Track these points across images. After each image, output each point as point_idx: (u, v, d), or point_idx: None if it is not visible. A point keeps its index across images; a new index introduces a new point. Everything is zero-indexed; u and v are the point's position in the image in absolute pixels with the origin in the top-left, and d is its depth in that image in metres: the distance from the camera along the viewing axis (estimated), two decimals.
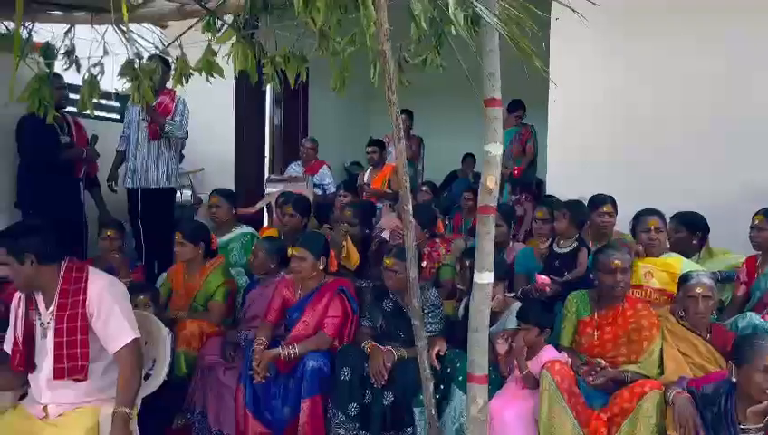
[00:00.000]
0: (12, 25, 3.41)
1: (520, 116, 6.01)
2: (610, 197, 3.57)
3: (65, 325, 2.48)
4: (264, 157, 6.66)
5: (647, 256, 3.23)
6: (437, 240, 3.96)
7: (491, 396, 2.59)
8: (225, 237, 4.17)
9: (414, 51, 2.72)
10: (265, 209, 5.89)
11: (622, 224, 3.60)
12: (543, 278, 3.21)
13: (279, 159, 6.87)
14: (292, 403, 3.04)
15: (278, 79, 2.97)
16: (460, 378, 2.84)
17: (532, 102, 5.78)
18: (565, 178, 4.28)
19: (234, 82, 5.43)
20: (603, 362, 2.82)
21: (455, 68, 2.60)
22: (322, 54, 2.68)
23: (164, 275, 3.88)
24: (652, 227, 3.25)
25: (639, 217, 3.33)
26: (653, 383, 2.59)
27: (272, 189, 5.55)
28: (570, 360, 2.83)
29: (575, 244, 3.45)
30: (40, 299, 2.56)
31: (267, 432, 3.09)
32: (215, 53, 2.78)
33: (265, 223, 5.80)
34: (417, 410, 2.89)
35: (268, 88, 6.44)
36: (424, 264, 3.54)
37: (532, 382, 2.75)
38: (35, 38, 3.42)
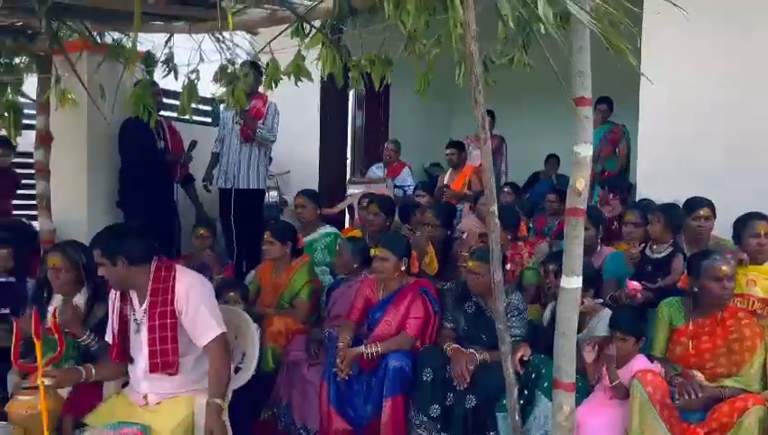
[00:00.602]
0: (117, 36, 3.66)
1: (604, 111, 5.79)
2: (707, 200, 3.38)
3: (157, 322, 2.61)
4: (345, 159, 6.78)
5: (751, 262, 3.04)
6: (521, 243, 3.89)
7: (577, 404, 2.51)
8: (310, 237, 4.28)
9: (500, 50, 2.69)
10: (346, 211, 6.01)
11: (718, 229, 3.41)
12: (635, 284, 3.08)
13: (360, 161, 6.97)
14: (375, 402, 3.07)
15: (363, 82, 3.03)
16: (545, 384, 2.77)
17: (620, 101, 5.58)
18: (657, 181, 4.09)
19: (318, 86, 5.59)
20: (699, 373, 2.68)
21: (538, 67, 2.56)
22: (409, 56, 2.71)
23: (252, 272, 4.02)
24: (762, 232, 3.05)
25: (746, 222, 3.13)
26: (756, 398, 2.44)
27: (353, 191, 5.65)
28: (663, 370, 2.70)
29: (670, 249, 3.29)
30: (134, 297, 2.72)
31: (349, 429, 3.14)
32: (303, 58, 2.87)
33: (347, 224, 5.91)
34: (500, 416, 2.85)
35: (350, 91, 6.57)
36: (508, 267, 3.48)
37: (622, 393, 2.65)
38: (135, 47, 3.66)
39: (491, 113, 6.44)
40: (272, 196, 5.36)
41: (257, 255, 4.29)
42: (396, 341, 3.13)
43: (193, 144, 4.74)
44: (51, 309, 2.94)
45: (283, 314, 3.57)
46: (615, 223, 4.33)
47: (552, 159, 7.26)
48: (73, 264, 2.95)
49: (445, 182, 5.76)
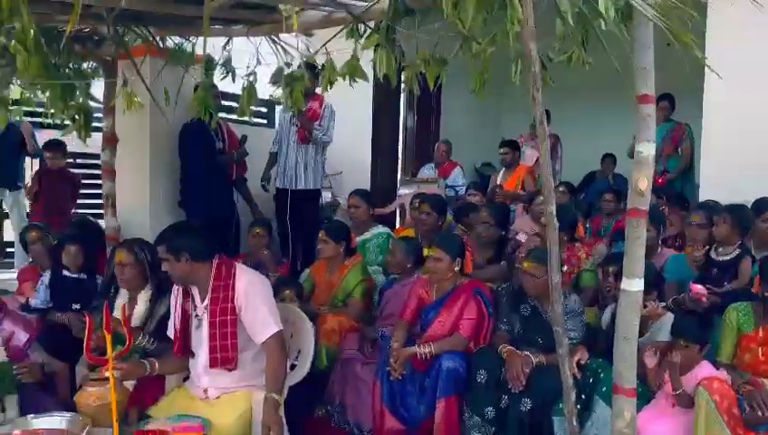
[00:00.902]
0: (177, 40, 3.77)
1: (666, 108, 5.59)
2: None
3: (217, 318, 2.68)
4: (397, 159, 6.79)
5: None
6: (577, 244, 3.81)
7: (637, 410, 2.44)
8: (363, 237, 4.30)
9: (558, 48, 2.65)
10: (397, 211, 6.02)
11: None
12: (699, 288, 2.97)
13: (411, 162, 6.97)
14: (428, 402, 3.06)
15: (418, 82, 3.03)
16: (604, 389, 2.71)
17: (681, 99, 5.39)
18: (722, 181, 3.93)
19: (371, 87, 5.62)
20: None
21: (595, 64, 2.50)
22: (463, 56, 2.70)
23: (307, 271, 4.08)
24: None
25: None
26: None
27: (405, 191, 5.66)
28: (729, 378, 2.59)
29: (737, 251, 3.16)
30: (195, 293, 2.80)
31: (402, 429, 3.14)
32: (359, 59, 2.89)
33: (397, 224, 5.92)
34: (556, 420, 2.80)
35: (402, 92, 6.58)
36: (564, 268, 3.41)
37: (686, 401, 2.55)
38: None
39: (546, 112, 6.32)
40: (324, 196, 5.42)
41: (311, 254, 4.35)
42: (449, 341, 3.12)
43: (244, 139, 4.83)
44: (119, 304, 3.06)
45: (337, 313, 3.61)
46: (678, 240, 4.11)
47: (609, 159, 7.07)
48: (138, 260, 3.06)
49: (497, 182, 5.70)
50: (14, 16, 1.79)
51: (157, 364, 2.75)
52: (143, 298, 3.08)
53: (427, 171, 6.01)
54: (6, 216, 5.83)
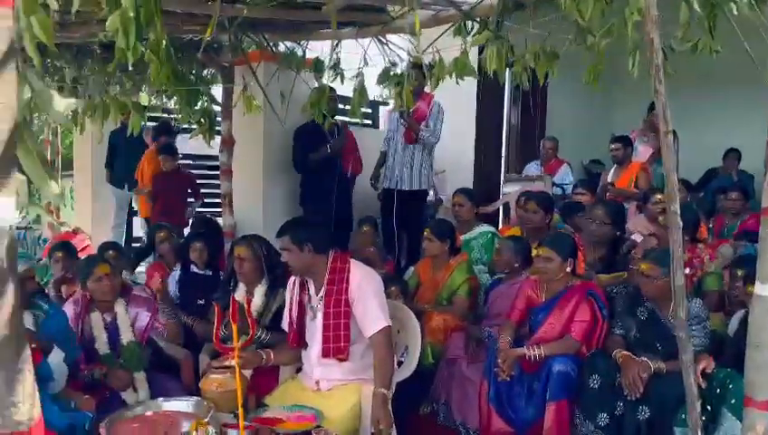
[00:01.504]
0: (289, 44, 3.93)
1: None
2: None
3: (331, 309, 2.77)
4: (501, 157, 6.68)
5: None
6: (700, 245, 3.57)
7: None
8: (467, 235, 4.27)
9: (681, 36, 2.50)
10: (501, 209, 5.93)
11: None
12: None
13: (515, 159, 6.83)
14: (537, 405, 2.99)
15: (528, 77, 2.97)
16: (733, 401, 2.52)
17: None
18: None
19: (475, 84, 5.58)
20: None
21: (721, 52, 2.34)
22: (576, 48, 2.62)
23: (411, 269, 4.11)
24: None
25: None
26: None
27: (509, 189, 5.56)
28: None
29: None
30: (311, 285, 2.91)
31: (510, 431, 3.08)
32: (468, 55, 2.88)
33: (500, 223, 5.82)
34: (678, 430, 2.63)
35: (506, 88, 6.47)
36: (686, 271, 3.21)
37: None
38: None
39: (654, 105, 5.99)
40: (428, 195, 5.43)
41: (416, 253, 4.38)
42: (560, 344, 3.02)
43: (339, 129, 4.88)
44: (238, 297, 3.24)
45: (442, 311, 3.61)
46: None
47: (733, 154, 6.57)
48: (255, 255, 3.22)
49: (608, 180, 5.45)
50: (149, 28, 1.93)
51: (272, 355, 2.88)
52: (260, 292, 3.24)
53: (533, 169, 5.86)
54: (135, 214, 6.33)
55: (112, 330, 3.09)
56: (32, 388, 0.89)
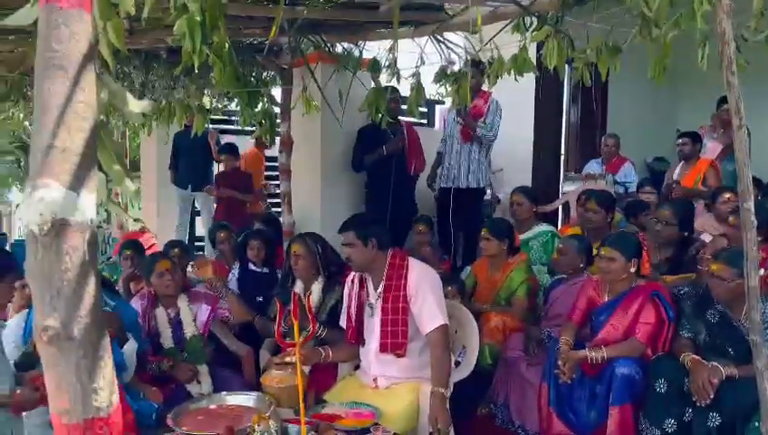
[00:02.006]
0: (346, 45, 3.96)
1: None
2: None
3: (389, 305, 2.79)
4: (560, 155, 6.54)
5: None
6: None
7: None
8: (526, 235, 4.20)
9: (754, 27, 2.39)
10: (560, 209, 5.80)
11: None
12: None
13: (575, 157, 6.67)
14: (599, 409, 2.91)
15: (589, 73, 2.91)
16: None
17: None
18: None
19: (533, 81, 5.48)
20: None
21: None
22: (641, 41, 2.53)
23: (468, 268, 4.07)
24: None
25: None
26: None
27: (569, 188, 5.43)
28: None
29: None
30: (370, 281, 2.92)
31: (571, 434, 3.02)
32: (526, 51, 2.83)
33: (559, 223, 5.70)
34: None
35: (565, 85, 6.33)
36: (761, 272, 3.05)
37: None
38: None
39: (724, 99, 5.72)
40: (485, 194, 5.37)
41: (473, 252, 4.34)
42: (624, 347, 2.93)
43: (398, 131, 4.88)
44: (303, 294, 3.30)
45: (500, 312, 3.56)
46: None
47: None
48: (311, 252, 3.28)
49: (674, 177, 5.25)
50: (213, 31, 1.98)
51: (331, 352, 2.92)
52: (316, 289, 3.28)
53: (594, 167, 5.70)
54: (198, 214, 6.53)
55: (176, 324, 3.22)
56: (111, 375, 0.94)
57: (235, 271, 4.14)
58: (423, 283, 2.76)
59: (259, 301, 3.83)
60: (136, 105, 1.04)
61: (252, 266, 4.08)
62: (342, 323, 3.04)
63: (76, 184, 0.87)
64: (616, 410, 2.83)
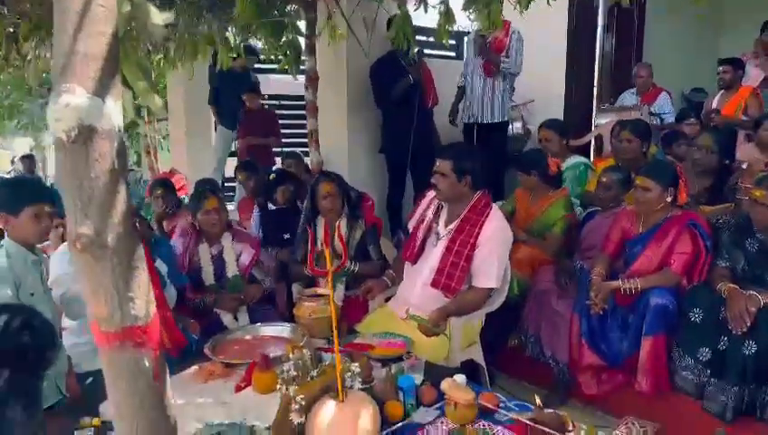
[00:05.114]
0: None
1: None
2: None
3: (456, 246, 2.77)
4: (593, 86, 6.32)
5: None
6: None
7: None
8: None
9: None
10: (592, 142, 5.64)
11: None
12: None
13: (609, 89, 6.44)
14: (632, 339, 2.89)
15: None
16: None
17: None
18: None
19: (566, 9, 5.25)
20: None
21: None
22: None
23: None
24: None
25: None
26: None
27: (603, 120, 5.26)
28: None
29: None
30: (444, 213, 2.89)
31: (602, 365, 3.02)
32: None
33: (591, 156, 5.55)
34: None
35: (600, 14, 6.06)
36: None
37: None
38: None
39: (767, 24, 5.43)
40: (516, 127, 5.25)
41: (499, 186, 4.27)
42: (658, 277, 2.88)
43: (419, 53, 4.73)
44: (319, 228, 3.31)
45: (532, 244, 3.50)
46: None
47: None
48: (341, 190, 3.30)
49: (713, 106, 5.05)
50: None
51: (395, 276, 3.04)
52: (342, 224, 3.29)
53: (628, 99, 5.50)
54: (234, 154, 6.52)
55: (218, 262, 3.24)
56: (147, 286, 0.95)
57: (256, 214, 4.17)
58: (495, 239, 2.73)
59: (285, 238, 3.87)
60: (159, 17, 1.01)
61: (271, 206, 4.09)
62: (410, 227, 3.04)
63: (100, 90, 0.86)
64: (649, 340, 2.81)
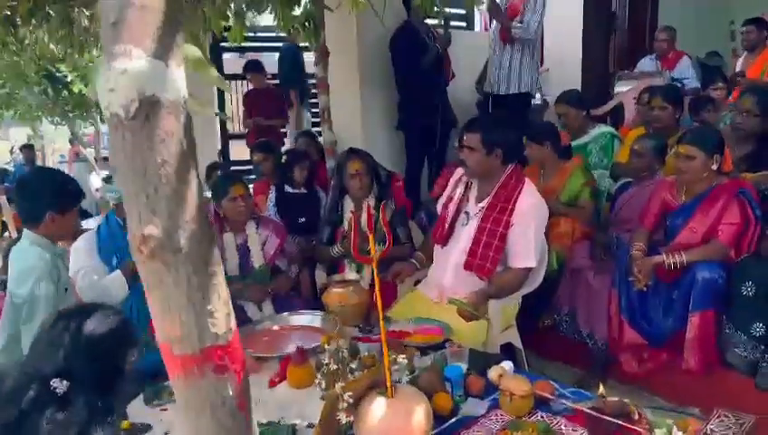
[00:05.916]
0: None
1: None
2: None
3: (488, 225, 2.60)
4: (608, 52, 6.10)
5: None
6: None
7: None
8: (581, 140, 3.92)
9: None
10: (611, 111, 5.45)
11: None
12: None
13: (626, 54, 6.22)
14: (677, 316, 2.74)
15: None
16: None
17: None
18: None
19: None
20: None
21: None
22: None
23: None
24: None
25: None
26: None
27: (623, 88, 5.06)
28: None
29: None
30: (474, 190, 2.72)
31: (643, 343, 2.89)
32: None
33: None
34: None
35: None
36: None
37: None
38: None
39: None
40: (534, 99, 5.05)
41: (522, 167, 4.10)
42: (704, 250, 2.72)
43: (447, 21, 4.51)
44: (347, 209, 3.15)
45: (568, 212, 3.33)
46: None
47: None
48: (370, 168, 3.14)
49: (737, 69, 4.86)
50: None
51: (423, 258, 2.90)
52: (371, 204, 3.14)
53: (648, 64, 5.29)
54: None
55: (243, 251, 3.05)
56: (226, 294, 0.77)
57: (272, 194, 3.99)
58: (530, 215, 2.57)
59: (302, 221, 3.71)
60: None
61: (288, 188, 3.92)
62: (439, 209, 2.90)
63: (162, 52, 0.67)
64: (696, 316, 2.66)
